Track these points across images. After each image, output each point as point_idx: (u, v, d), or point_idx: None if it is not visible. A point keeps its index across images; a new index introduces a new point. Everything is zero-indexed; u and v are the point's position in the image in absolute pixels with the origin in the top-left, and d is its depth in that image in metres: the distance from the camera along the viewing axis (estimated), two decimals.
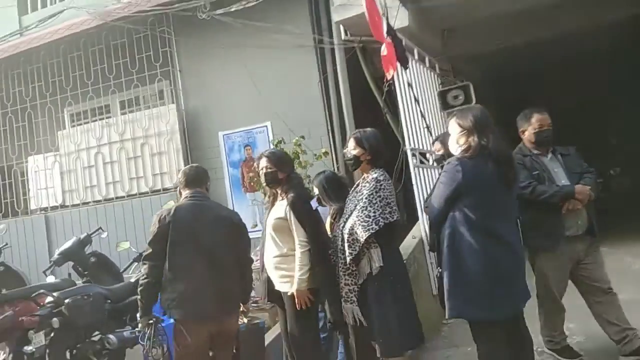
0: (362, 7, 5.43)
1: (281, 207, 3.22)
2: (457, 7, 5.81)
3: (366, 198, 2.93)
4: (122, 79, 7.12)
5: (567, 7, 5.95)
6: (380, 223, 2.89)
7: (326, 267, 3.15)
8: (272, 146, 6.63)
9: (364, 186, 3.02)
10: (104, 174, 7.30)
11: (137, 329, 4.50)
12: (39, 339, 4.12)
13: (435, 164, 3.32)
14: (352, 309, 2.94)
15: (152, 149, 7.07)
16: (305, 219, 3.15)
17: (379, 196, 2.94)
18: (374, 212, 2.90)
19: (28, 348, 4.21)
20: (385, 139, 3.36)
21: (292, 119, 6.36)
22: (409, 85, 5.11)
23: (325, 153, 6.04)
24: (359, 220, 2.90)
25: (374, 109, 6.48)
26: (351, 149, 3.13)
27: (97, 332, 4.50)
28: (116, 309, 4.58)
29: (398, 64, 4.61)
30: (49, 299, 4.29)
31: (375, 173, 3.03)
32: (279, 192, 3.33)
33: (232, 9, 6.05)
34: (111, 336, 4.33)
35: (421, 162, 4.87)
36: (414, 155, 4.79)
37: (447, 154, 3.13)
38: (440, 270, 3.04)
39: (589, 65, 8.37)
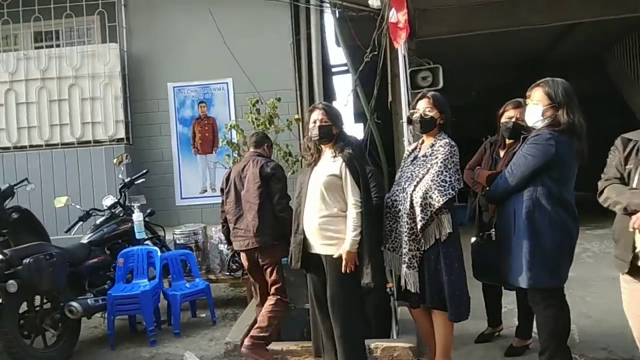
0: None
1: (335, 164, 2.93)
2: None
3: (441, 162, 2.81)
4: (51, 5, 5.95)
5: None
6: (455, 188, 2.80)
7: (376, 230, 2.98)
8: (233, 106, 6.15)
9: (437, 150, 2.89)
10: (17, 116, 6.05)
11: (100, 297, 3.89)
12: None
13: (506, 134, 3.27)
14: (413, 274, 2.82)
15: (83, 92, 6.04)
16: (361, 178, 2.93)
17: (453, 162, 2.84)
18: (450, 177, 2.79)
19: None
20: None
21: (259, 79, 5.91)
22: (404, 57, 5.07)
23: (298, 119, 5.75)
24: (434, 184, 2.77)
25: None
26: (427, 109, 2.97)
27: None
28: (73, 273, 3.84)
29: (404, 35, 4.54)
30: None
31: (447, 138, 2.93)
32: (329, 148, 3.02)
33: None
34: (74, 303, 3.63)
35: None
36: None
37: (515, 125, 3.15)
38: (487, 236, 3.07)
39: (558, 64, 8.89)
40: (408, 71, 6.23)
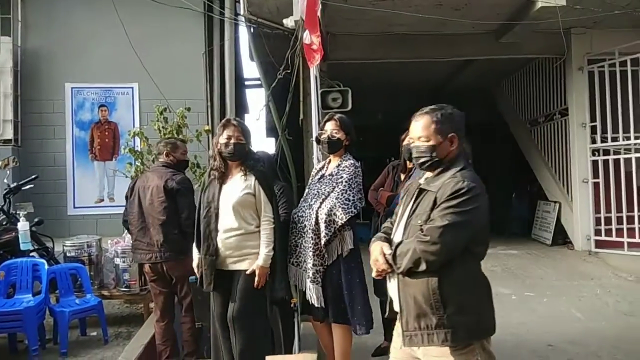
0: None
1: (247, 181, 2.91)
2: (340, 17, 6.20)
3: (346, 182, 2.94)
4: None
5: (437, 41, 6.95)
6: (358, 207, 2.94)
7: (284, 246, 3.03)
8: (138, 112, 5.91)
9: (343, 170, 3.01)
10: None
11: None
12: None
13: (406, 156, 3.48)
14: (317, 289, 2.89)
15: None
16: (273, 194, 2.98)
17: (357, 182, 2.99)
18: (353, 196, 2.93)
19: None
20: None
21: (168, 87, 5.74)
22: (315, 78, 5.22)
23: (208, 130, 5.66)
24: (338, 202, 2.88)
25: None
26: (334, 131, 3.08)
27: None
28: None
29: (318, 57, 4.69)
30: None
31: (351, 159, 3.07)
32: (237, 165, 2.95)
33: None
34: None
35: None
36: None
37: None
38: None
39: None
40: (319, 91, 6.45)
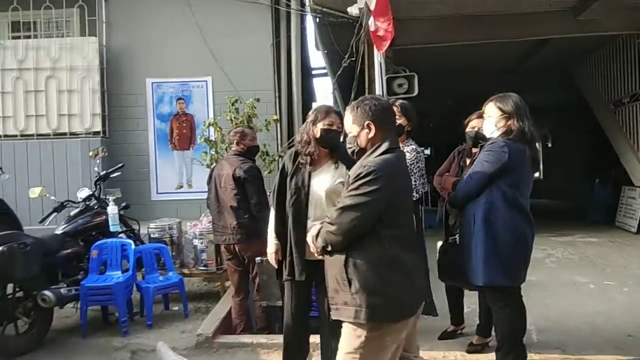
0: None
1: (338, 170, 2.77)
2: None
3: (409, 165, 2.99)
4: None
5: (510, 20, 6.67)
6: (420, 192, 2.98)
7: None
8: (212, 104, 6.23)
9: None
10: None
11: (73, 287, 3.93)
12: None
13: (469, 143, 3.46)
14: None
15: (60, 84, 6.02)
16: None
17: (418, 167, 3.02)
18: (415, 182, 2.97)
19: None
20: None
21: (238, 79, 6.01)
22: (380, 64, 5.25)
23: (276, 120, 5.88)
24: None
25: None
26: (396, 117, 3.12)
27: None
28: (47, 262, 3.86)
29: (387, 43, 4.72)
30: None
31: (413, 144, 3.10)
32: (327, 154, 2.79)
33: None
34: (47, 292, 3.65)
35: None
36: None
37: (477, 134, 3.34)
38: (452, 240, 3.24)
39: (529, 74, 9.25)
40: (384, 78, 6.45)
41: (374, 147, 2.08)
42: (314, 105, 9.71)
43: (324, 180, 2.74)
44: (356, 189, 1.95)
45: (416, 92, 6.34)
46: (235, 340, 3.64)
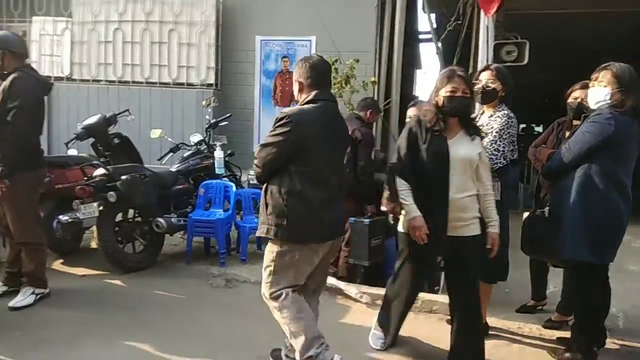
0: None
1: (474, 143, 2.68)
2: None
3: (497, 132, 2.94)
4: None
5: None
6: (507, 158, 2.95)
7: None
8: None
9: (494, 120, 3.02)
10: (122, 53, 6.74)
11: (182, 218, 4.44)
12: (89, 210, 3.91)
13: (570, 114, 3.35)
14: None
15: (180, 37, 6.59)
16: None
17: (509, 132, 2.97)
18: (503, 148, 2.93)
19: (65, 217, 4.00)
20: None
21: (341, 39, 6.12)
22: (487, 28, 5.07)
23: (374, 82, 5.95)
24: (487, 152, 2.91)
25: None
26: (490, 81, 3.07)
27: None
28: (162, 194, 4.42)
29: (495, 6, 4.55)
30: (100, 171, 4.05)
31: (505, 109, 3.05)
32: (458, 122, 2.68)
33: None
34: (161, 219, 4.21)
35: None
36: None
37: (580, 105, 3.21)
38: (541, 212, 3.17)
39: None
40: (492, 44, 6.19)
41: (302, 100, 2.52)
42: (419, 71, 9.60)
43: (462, 151, 2.62)
44: (273, 130, 2.42)
45: (526, 60, 6.02)
46: None
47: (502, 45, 6.13)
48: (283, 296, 2.47)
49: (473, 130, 2.70)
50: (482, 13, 5.30)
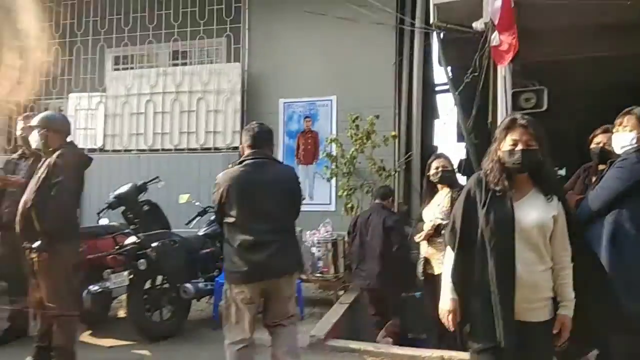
0: None
1: (550, 203, 2.21)
2: (537, 10, 5.83)
3: None
4: (188, 29, 6.91)
5: None
6: None
7: None
8: (335, 121, 6.60)
9: None
10: (153, 123, 7.09)
11: (209, 283, 4.48)
12: (119, 279, 4.00)
13: (594, 159, 3.31)
14: None
15: (208, 105, 6.90)
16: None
17: None
18: None
19: (95, 287, 4.09)
20: None
21: (360, 97, 6.29)
22: (504, 78, 5.13)
23: (394, 136, 6.04)
24: None
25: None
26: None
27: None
28: (190, 259, 4.49)
29: (509, 57, 4.64)
30: (132, 239, 4.18)
31: None
32: (528, 180, 2.27)
33: None
34: (188, 285, 4.26)
35: None
36: None
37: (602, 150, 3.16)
38: None
39: None
40: (509, 92, 6.23)
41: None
42: (436, 121, 9.68)
43: (531, 215, 2.18)
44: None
45: (545, 106, 6.01)
46: (344, 345, 3.87)
47: (521, 93, 6.17)
48: (228, 353, 3.04)
49: (548, 188, 2.24)
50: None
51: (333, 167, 5.83)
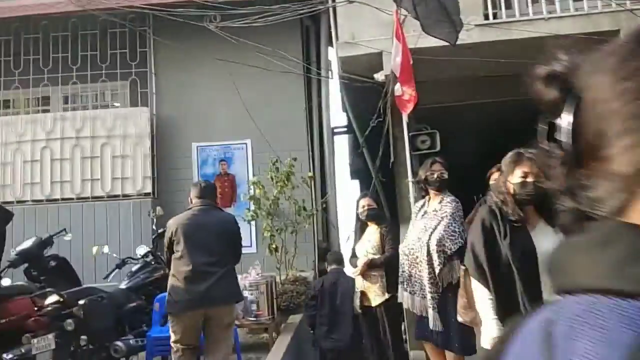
0: (363, 47, 6.10)
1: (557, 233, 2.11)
2: (425, 65, 6.70)
3: (450, 216, 3.37)
4: (88, 72, 6.62)
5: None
6: (464, 237, 3.33)
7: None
8: (251, 164, 6.73)
9: (446, 205, 3.44)
10: (51, 171, 6.56)
11: (140, 338, 4.26)
12: (44, 343, 3.63)
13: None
14: (434, 314, 3.28)
15: (114, 150, 6.60)
16: None
17: (459, 215, 3.40)
18: (458, 228, 3.33)
19: (10, 355, 3.69)
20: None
21: (275, 140, 6.52)
22: (407, 123, 5.75)
23: (311, 177, 6.34)
24: (446, 234, 3.30)
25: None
26: (442, 172, 3.52)
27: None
28: (118, 315, 4.24)
29: (411, 106, 5.23)
30: (53, 298, 3.85)
31: (451, 195, 3.50)
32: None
33: (235, 25, 6.16)
34: (119, 343, 4.01)
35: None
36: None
37: None
38: None
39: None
40: (407, 136, 6.94)
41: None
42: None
43: (544, 244, 2.22)
44: None
45: (438, 147, 6.80)
46: None
47: (417, 136, 6.91)
48: (174, 349, 3.58)
49: (555, 220, 2.30)
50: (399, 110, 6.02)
51: (254, 208, 5.93)
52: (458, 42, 5.67)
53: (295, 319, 5.52)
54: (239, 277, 5.20)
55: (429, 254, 3.32)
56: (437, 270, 3.27)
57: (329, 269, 5.06)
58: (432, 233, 3.38)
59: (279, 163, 5.87)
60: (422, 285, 3.36)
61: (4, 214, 3.39)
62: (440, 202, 3.52)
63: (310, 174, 6.31)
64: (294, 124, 6.69)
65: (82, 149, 6.61)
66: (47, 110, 7.17)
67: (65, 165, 6.58)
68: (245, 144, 6.73)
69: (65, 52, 6.65)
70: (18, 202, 6.48)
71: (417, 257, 3.41)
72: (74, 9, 6.30)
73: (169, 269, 3.70)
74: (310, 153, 6.72)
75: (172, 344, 3.59)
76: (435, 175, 3.53)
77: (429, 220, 3.49)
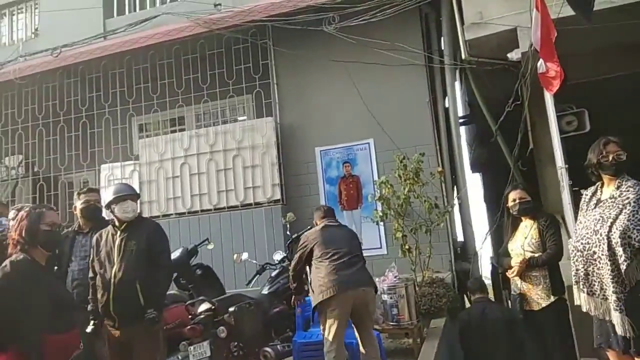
0: (492, 26, 5.59)
1: None
2: (567, 37, 5.94)
3: (634, 202, 2.84)
4: (217, 89, 6.96)
5: None
6: None
7: None
8: (375, 164, 6.54)
9: (627, 190, 2.92)
10: (190, 185, 7.01)
11: (286, 343, 4.25)
12: (200, 350, 3.78)
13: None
14: (621, 317, 2.79)
15: (244, 161, 6.85)
16: None
17: None
18: None
19: None
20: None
21: (398, 137, 6.27)
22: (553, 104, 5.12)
23: (441, 172, 5.97)
24: (632, 224, 2.78)
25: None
26: (617, 152, 3.02)
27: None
28: (264, 320, 4.29)
29: (557, 83, 4.64)
30: (205, 306, 3.99)
31: (632, 179, 2.96)
32: None
33: (353, 24, 6.04)
34: (268, 349, 4.04)
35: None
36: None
37: None
38: None
39: None
40: (554, 117, 6.21)
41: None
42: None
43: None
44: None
45: (587, 128, 6.00)
46: None
47: (561, 118, 6.16)
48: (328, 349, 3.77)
49: None
50: (537, 90, 5.41)
51: (384, 208, 5.71)
52: (608, 6, 4.97)
53: (438, 323, 5.20)
54: (376, 280, 5.06)
55: (610, 248, 2.81)
56: (623, 267, 2.76)
57: (472, 299, 4.75)
58: (612, 224, 2.86)
59: (407, 160, 5.58)
60: (603, 284, 2.86)
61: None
62: (619, 187, 2.98)
63: (440, 168, 5.94)
64: (418, 118, 6.37)
65: (216, 162, 6.97)
66: (183, 129, 7.72)
67: (203, 178, 6.99)
68: (368, 143, 6.58)
69: (195, 73, 7.07)
70: (163, 215, 7.01)
71: (594, 252, 2.90)
72: (201, 30, 6.70)
73: (294, 282, 4.11)
74: (438, 147, 6.34)
75: (325, 344, 3.69)
76: (610, 157, 3.00)
77: (606, 210, 2.96)
